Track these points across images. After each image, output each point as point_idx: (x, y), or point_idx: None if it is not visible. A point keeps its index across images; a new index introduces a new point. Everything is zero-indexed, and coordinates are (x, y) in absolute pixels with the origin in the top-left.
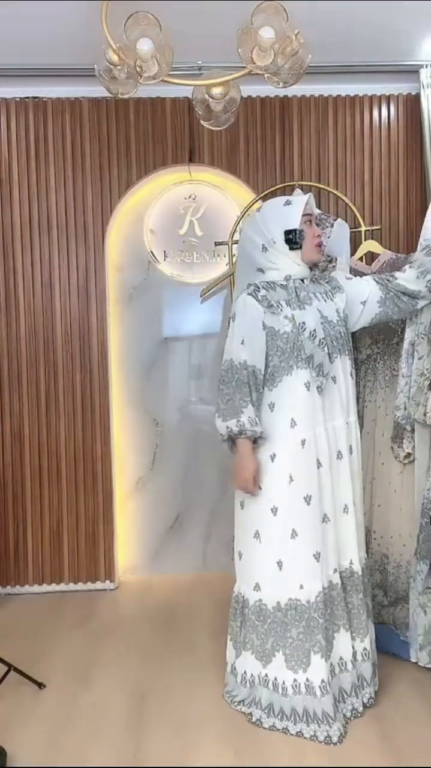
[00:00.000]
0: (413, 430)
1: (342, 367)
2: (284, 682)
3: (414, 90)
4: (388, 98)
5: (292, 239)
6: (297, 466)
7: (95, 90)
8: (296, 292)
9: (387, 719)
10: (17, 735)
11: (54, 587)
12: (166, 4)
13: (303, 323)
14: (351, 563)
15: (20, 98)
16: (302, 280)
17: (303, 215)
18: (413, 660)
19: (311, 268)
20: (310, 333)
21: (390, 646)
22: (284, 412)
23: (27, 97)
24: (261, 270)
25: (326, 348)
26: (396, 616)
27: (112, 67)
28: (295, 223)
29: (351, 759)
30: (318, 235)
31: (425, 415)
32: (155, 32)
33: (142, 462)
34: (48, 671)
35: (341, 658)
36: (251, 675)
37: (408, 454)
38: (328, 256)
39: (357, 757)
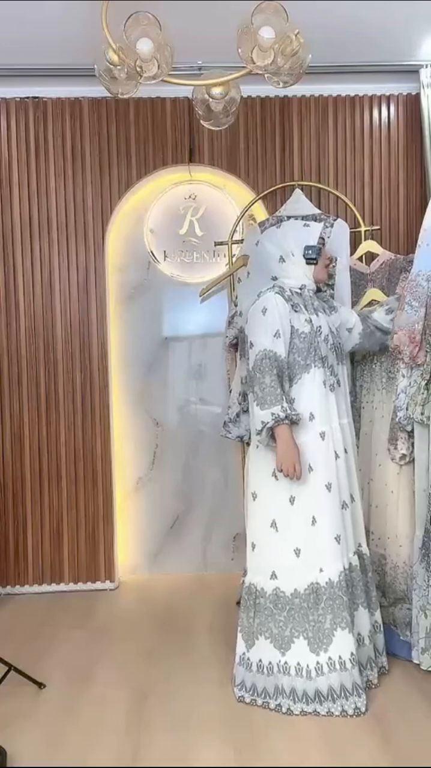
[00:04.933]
0: (410, 431)
1: (344, 373)
2: (308, 665)
3: (414, 90)
4: (388, 98)
5: (310, 254)
6: (317, 456)
7: (95, 90)
8: (310, 301)
9: (387, 718)
10: (17, 735)
11: (54, 587)
12: (166, 4)
13: (319, 327)
14: (359, 546)
15: (20, 98)
16: (312, 292)
17: (319, 238)
18: (416, 662)
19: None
20: (325, 337)
21: (389, 645)
22: (304, 406)
23: (27, 97)
24: (275, 278)
25: (334, 352)
26: (396, 616)
27: (112, 67)
28: (313, 242)
29: (351, 758)
30: (328, 258)
31: (422, 414)
32: (155, 32)
33: (142, 462)
34: (48, 671)
35: (359, 634)
36: (270, 663)
37: (404, 455)
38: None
39: (357, 756)
